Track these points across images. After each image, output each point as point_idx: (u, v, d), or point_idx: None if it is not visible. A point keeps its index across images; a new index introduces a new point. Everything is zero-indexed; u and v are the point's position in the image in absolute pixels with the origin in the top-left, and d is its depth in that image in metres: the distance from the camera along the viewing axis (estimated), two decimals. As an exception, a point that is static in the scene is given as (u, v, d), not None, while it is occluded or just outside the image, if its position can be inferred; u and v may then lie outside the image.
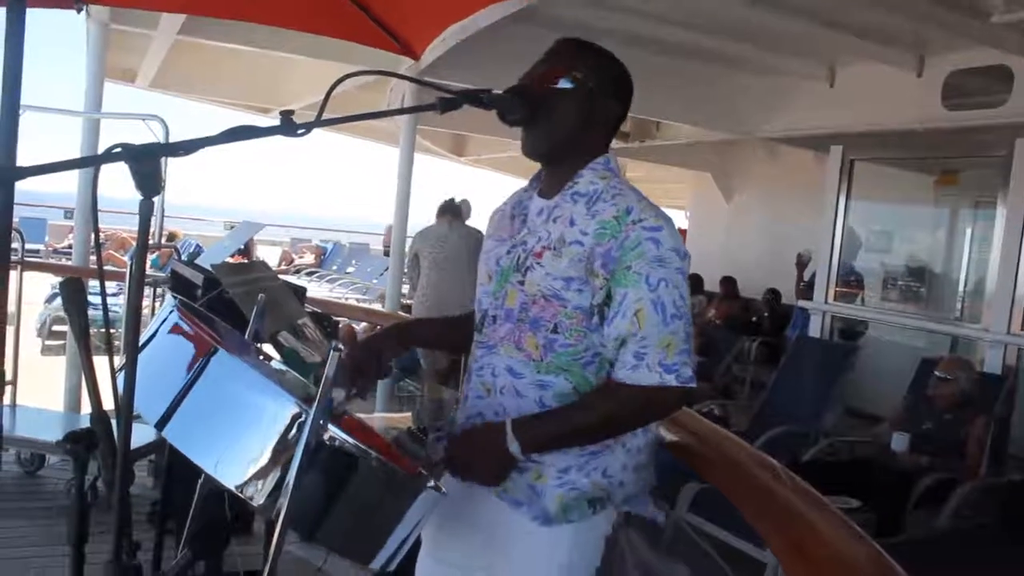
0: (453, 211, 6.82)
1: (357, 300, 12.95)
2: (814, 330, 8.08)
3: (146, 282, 4.97)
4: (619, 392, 1.63)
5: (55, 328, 8.93)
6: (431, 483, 1.50)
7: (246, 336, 1.94)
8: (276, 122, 1.38)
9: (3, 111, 1.80)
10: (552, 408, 1.69)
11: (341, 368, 1.40)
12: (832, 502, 1.65)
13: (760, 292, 10.53)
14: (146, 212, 1.21)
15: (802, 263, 9.46)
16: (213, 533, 1.78)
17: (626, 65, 1.76)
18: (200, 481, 1.86)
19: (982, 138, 6.99)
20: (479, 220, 6.61)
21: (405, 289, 8.02)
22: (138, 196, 1.21)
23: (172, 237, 12.32)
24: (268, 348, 2.00)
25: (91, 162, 1.22)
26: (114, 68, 8.80)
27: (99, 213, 1.31)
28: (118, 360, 1.44)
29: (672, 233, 1.63)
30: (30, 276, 5.64)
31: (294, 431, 1.34)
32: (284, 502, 1.31)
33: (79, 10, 3.02)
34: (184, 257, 8.73)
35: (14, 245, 5.48)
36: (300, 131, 1.38)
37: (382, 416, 5.99)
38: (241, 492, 1.35)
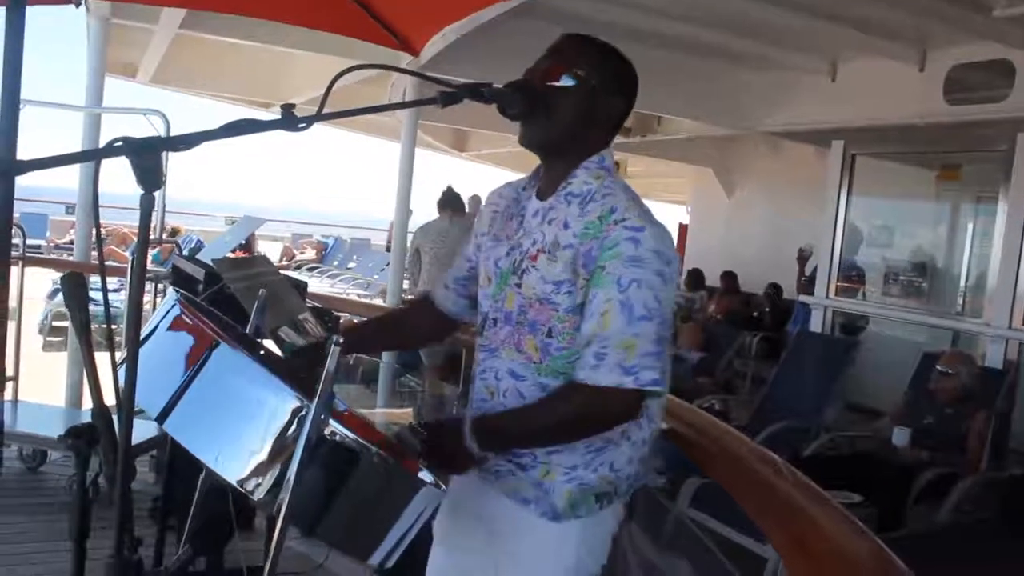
0: (453, 205, 6.81)
1: (358, 295, 12.94)
2: (815, 325, 8.08)
3: (147, 277, 4.98)
4: (577, 392, 1.61)
5: (56, 324, 8.94)
6: (431, 479, 1.50)
7: (247, 331, 1.94)
8: (277, 116, 1.38)
9: (3, 106, 1.79)
10: (516, 407, 1.70)
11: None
12: (833, 497, 1.64)
13: (761, 287, 10.52)
14: (147, 206, 1.21)
15: (803, 258, 9.45)
16: (215, 529, 1.79)
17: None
18: (202, 477, 1.86)
19: (984, 132, 6.98)
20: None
21: (406, 284, 8.02)
22: (139, 191, 1.21)
23: (175, 232, 12.33)
24: (269, 343, 1.99)
25: (92, 156, 1.22)
26: (115, 63, 8.80)
27: (100, 208, 1.31)
28: (119, 355, 1.44)
29: (656, 235, 1.59)
30: (31, 272, 5.64)
31: (295, 426, 1.34)
32: (285, 497, 1.31)
33: (78, 4, 3.01)
34: (185, 252, 8.74)
35: (15, 241, 5.50)
36: (301, 125, 1.38)
37: (383, 412, 5.99)
38: (242, 487, 1.35)
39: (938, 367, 5.13)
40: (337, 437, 1.37)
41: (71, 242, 9.99)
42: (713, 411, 5.97)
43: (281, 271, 4.11)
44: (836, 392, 6.19)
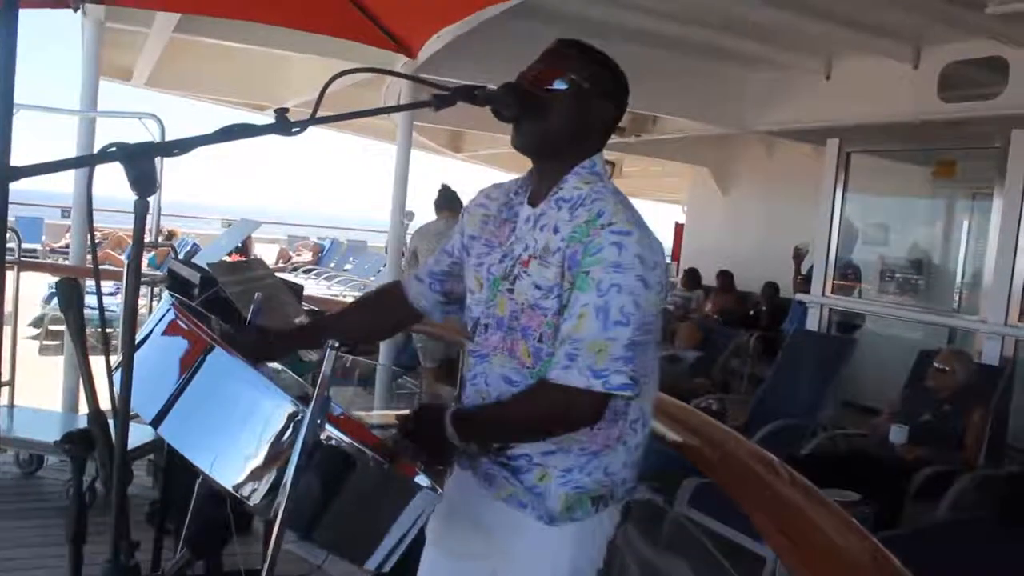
0: (451, 206, 6.79)
1: (355, 297, 12.93)
2: (812, 323, 8.10)
3: (143, 281, 4.97)
4: (547, 391, 1.62)
5: (52, 328, 8.93)
6: (427, 483, 1.49)
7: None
8: (271, 120, 1.38)
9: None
10: (494, 401, 1.72)
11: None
12: (830, 495, 1.65)
13: (758, 285, 10.54)
14: (141, 211, 1.21)
15: (799, 256, 9.47)
16: (212, 532, 1.78)
17: (622, 59, 1.75)
18: (199, 481, 1.86)
19: (978, 129, 6.99)
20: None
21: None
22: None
23: (171, 236, 12.33)
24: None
25: (86, 162, 1.22)
26: (110, 66, 8.78)
27: (98, 213, 1.30)
28: (114, 359, 1.44)
29: (642, 240, 1.59)
30: (27, 276, 5.63)
31: (291, 430, 1.34)
32: (282, 501, 1.31)
33: (76, 9, 3.01)
34: (181, 256, 8.73)
35: (10, 245, 5.50)
36: (295, 129, 1.38)
37: (380, 415, 5.99)
38: (238, 492, 1.35)
39: (935, 364, 5.13)
40: (333, 441, 1.37)
41: (67, 246, 9.97)
42: (710, 411, 5.97)
43: (277, 273, 4.11)
44: (833, 390, 6.19)
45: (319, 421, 1.33)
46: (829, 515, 1.56)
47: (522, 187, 1.81)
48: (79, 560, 1.48)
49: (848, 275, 8.58)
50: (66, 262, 7.90)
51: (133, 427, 1.33)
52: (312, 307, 4.34)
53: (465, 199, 7.00)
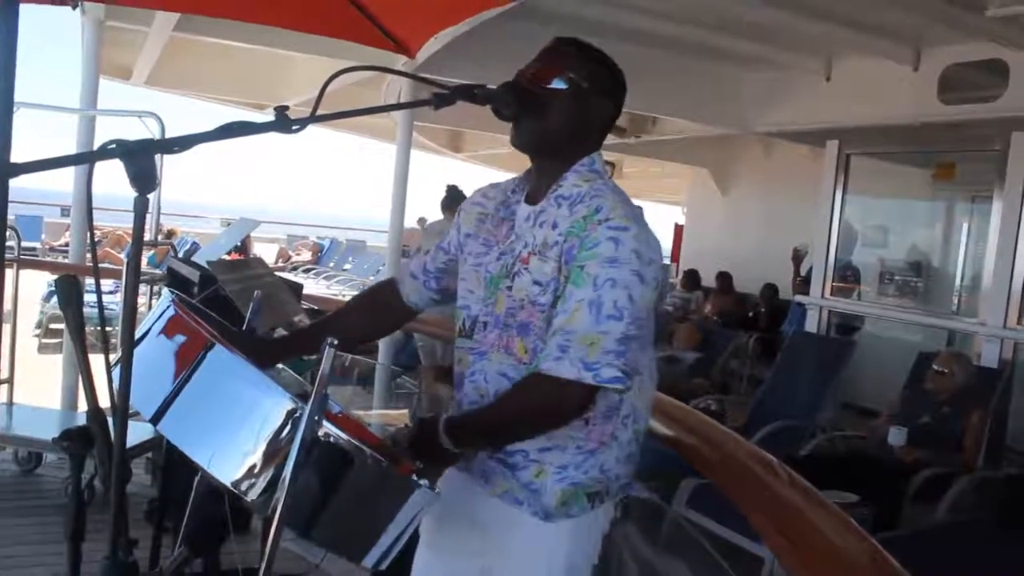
0: (456, 207, 6.78)
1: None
2: (811, 325, 8.10)
3: (143, 280, 4.97)
4: (538, 383, 1.61)
5: (52, 326, 8.93)
6: (425, 482, 1.50)
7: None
8: (271, 119, 1.38)
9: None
10: (487, 403, 1.72)
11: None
12: (829, 497, 1.65)
13: (757, 287, 10.54)
14: (141, 208, 1.21)
15: (798, 258, 9.47)
16: (210, 530, 1.78)
17: (621, 60, 1.76)
18: (197, 479, 1.86)
19: (978, 132, 6.99)
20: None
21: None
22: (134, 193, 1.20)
23: (171, 234, 12.32)
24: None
25: (85, 159, 1.22)
26: (109, 65, 8.78)
27: (98, 211, 1.30)
28: (114, 357, 1.44)
29: (640, 236, 1.60)
30: (27, 274, 5.63)
31: (289, 427, 1.34)
32: (280, 499, 1.31)
33: (75, 6, 3.00)
34: (181, 254, 8.73)
35: (10, 243, 5.50)
36: (295, 127, 1.38)
37: (379, 413, 5.99)
38: (236, 488, 1.35)
39: (934, 366, 5.14)
40: (331, 439, 1.37)
41: (66, 244, 9.98)
42: (709, 411, 5.97)
43: (277, 273, 4.11)
44: (832, 392, 6.19)
45: (317, 418, 1.33)
46: (828, 516, 1.56)
47: (519, 186, 1.82)
48: (78, 557, 1.49)
49: (847, 277, 8.58)
50: (66, 260, 7.91)
51: (132, 425, 1.33)
52: (312, 306, 4.35)
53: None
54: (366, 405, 6.27)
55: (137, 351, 1.39)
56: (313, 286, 13.70)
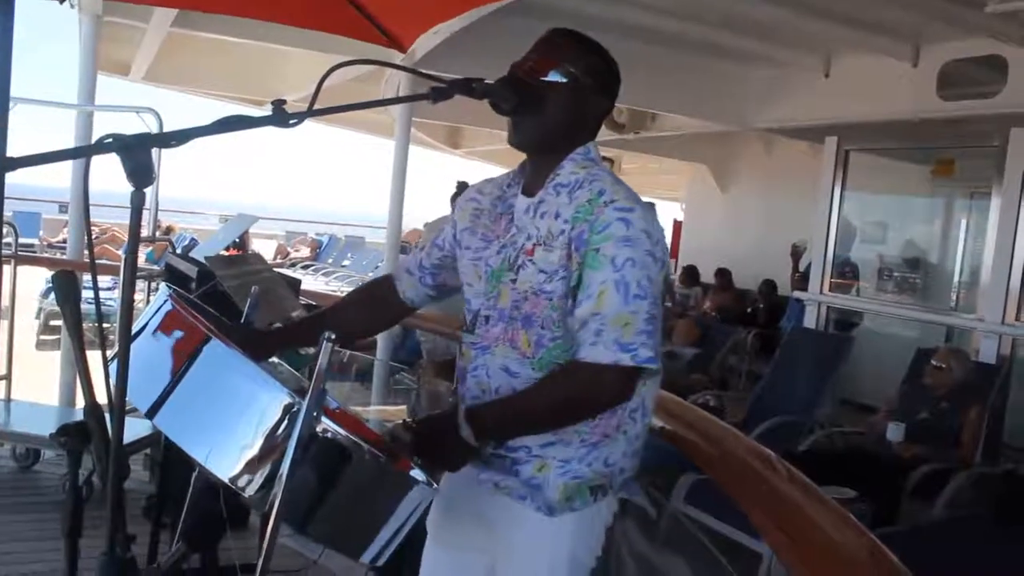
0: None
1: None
2: (809, 321, 8.10)
3: (141, 275, 4.97)
4: (576, 372, 1.60)
5: (50, 323, 8.92)
6: (423, 478, 1.49)
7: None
8: (269, 113, 1.38)
9: (-6, 103, 1.78)
10: (510, 393, 1.69)
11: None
12: (828, 493, 1.65)
13: (756, 283, 10.54)
14: (138, 203, 1.20)
15: (797, 254, 9.47)
16: (208, 526, 1.78)
17: (620, 56, 1.76)
18: (195, 474, 1.85)
19: (977, 128, 6.99)
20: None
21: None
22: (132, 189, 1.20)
23: (168, 231, 12.31)
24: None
25: (82, 153, 1.21)
26: (107, 61, 8.76)
27: (95, 208, 1.29)
28: (111, 352, 1.44)
29: (645, 216, 1.61)
30: (24, 270, 5.63)
31: (286, 422, 1.33)
32: (277, 494, 1.30)
33: (68, 3, 2.99)
34: (179, 251, 8.72)
35: (8, 239, 5.49)
36: (292, 121, 1.37)
37: (377, 409, 5.99)
38: (233, 483, 1.34)
39: (933, 361, 5.14)
40: (329, 434, 1.37)
41: (64, 241, 9.95)
42: (708, 407, 5.97)
43: (275, 269, 4.11)
44: (830, 388, 6.20)
45: (315, 414, 1.33)
46: (827, 511, 1.56)
47: (514, 179, 1.82)
48: (75, 554, 1.48)
49: (846, 273, 8.58)
50: (63, 256, 7.90)
51: (130, 421, 1.33)
52: (310, 302, 4.34)
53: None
54: (364, 401, 6.26)
55: (134, 345, 1.38)
56: (311, 282, 13.69)
